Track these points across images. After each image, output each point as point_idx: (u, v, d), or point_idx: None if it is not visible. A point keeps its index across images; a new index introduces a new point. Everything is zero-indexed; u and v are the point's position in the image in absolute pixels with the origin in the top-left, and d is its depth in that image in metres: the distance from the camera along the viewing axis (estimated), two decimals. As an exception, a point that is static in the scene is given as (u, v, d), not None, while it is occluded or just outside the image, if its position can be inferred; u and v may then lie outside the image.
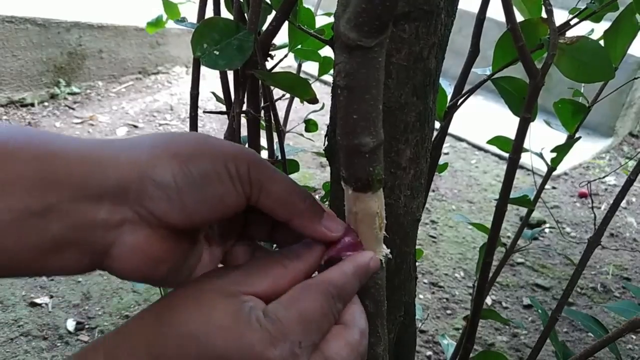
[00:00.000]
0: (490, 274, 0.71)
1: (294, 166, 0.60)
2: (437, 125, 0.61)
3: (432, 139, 0.53)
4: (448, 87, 0.65)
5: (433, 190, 2.16)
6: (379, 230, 0.36)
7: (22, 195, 0.26)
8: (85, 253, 0.28)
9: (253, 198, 0.31)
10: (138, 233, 0.29)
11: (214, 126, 2.47)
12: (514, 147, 0.58)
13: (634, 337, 1.50)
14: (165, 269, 0.31)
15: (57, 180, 0.27)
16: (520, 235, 0.72)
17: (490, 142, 0.74)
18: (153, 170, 0.28)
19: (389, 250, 0.37)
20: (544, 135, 0.84)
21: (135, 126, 2.45)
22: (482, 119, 2.54)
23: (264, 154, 0.63)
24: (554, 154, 0.72)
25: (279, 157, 0.59)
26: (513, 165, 0.59)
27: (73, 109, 2.48)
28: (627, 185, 0.54)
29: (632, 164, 2.45)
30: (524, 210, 2.16)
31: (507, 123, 1.14)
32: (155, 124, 2.50)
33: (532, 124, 0.58)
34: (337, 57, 0.31)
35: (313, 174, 2.16)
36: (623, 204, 2.18)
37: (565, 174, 2.38)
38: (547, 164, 0.70)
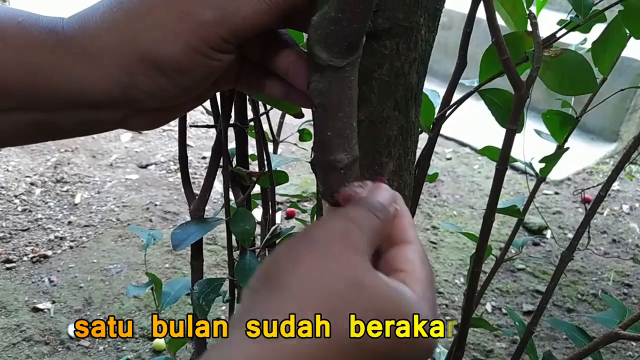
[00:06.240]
0: (482, 282, 0.71)
1: (282, 177, 0.60)
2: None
3: (416, 152, 0.53)
4: (436, 97, 0.65)
5: (435, 196, 2.16)
6: None
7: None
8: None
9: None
10: (142, 116, 0.32)
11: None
12: (500, 158, 0.59)
13: (634, 343, 1.49)
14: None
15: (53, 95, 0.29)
16: (510, 243, 0.73)
17: (481, 151, 0.74)
18: (133, 83, 0.29)
19: None
20: (545, 143, 0.83)
21: (139, 132, 2.48)
22: (485, 124, 2.53)
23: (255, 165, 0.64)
24: (546, 164, 0.72)
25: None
26: (500, 176, 0.60)
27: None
28: (595, 206, 0.55)
29: (636, 168, 2.44)
30: (528, 216, 2.16)
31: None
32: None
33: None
34: (311, 76, 0.32)
35: (315, 180, 2.17)
36: (626, 209, 2.17)
37: (569, 179, 2.37)
38: (536, 174, 0.70)
